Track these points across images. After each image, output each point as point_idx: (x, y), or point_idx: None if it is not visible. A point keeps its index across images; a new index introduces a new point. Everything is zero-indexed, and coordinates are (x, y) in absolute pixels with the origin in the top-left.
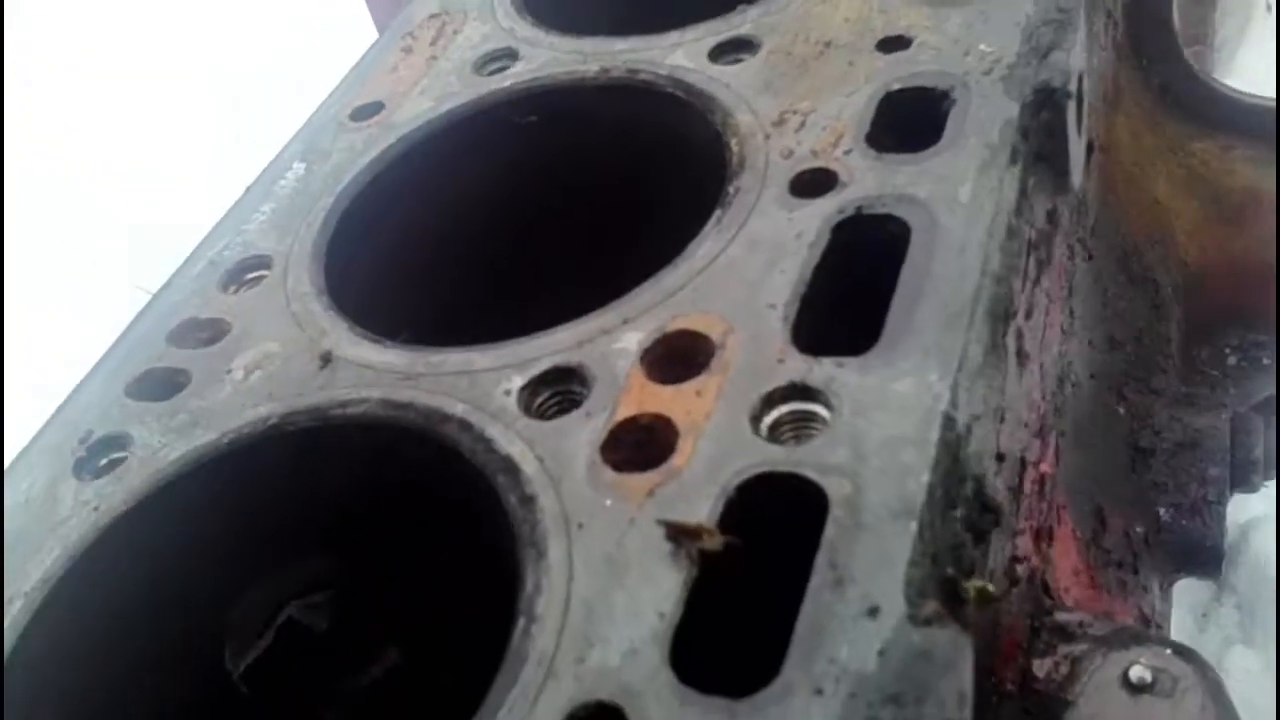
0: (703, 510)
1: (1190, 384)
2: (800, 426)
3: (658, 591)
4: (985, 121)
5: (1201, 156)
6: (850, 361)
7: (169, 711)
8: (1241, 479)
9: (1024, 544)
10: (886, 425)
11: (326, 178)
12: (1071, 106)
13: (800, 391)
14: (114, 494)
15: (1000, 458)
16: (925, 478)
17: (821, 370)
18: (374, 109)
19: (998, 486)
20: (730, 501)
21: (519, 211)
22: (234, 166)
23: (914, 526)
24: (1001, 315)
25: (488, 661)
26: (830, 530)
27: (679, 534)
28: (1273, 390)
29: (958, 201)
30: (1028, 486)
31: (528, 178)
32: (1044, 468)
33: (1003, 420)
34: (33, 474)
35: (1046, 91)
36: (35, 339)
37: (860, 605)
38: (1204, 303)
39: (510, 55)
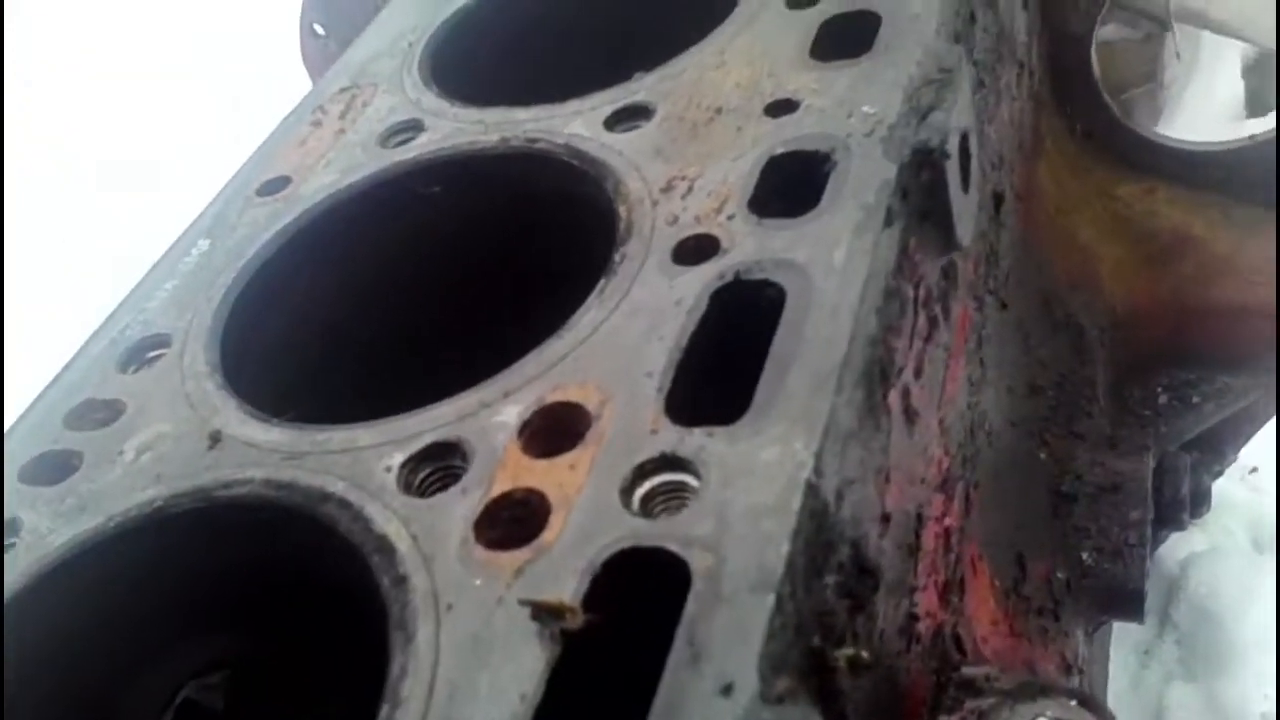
0: (569, 587)
1: (1122, 426)
2: (673, 498)
3: (520, 671)
4: (863, 183)
5: (1126, 200)
6: (720, 431)
7: None
8: (1170, 518)
9: (926, 600)
10: (751, 493)
11: (229, 253)
12: (952, 165)
13: (671, 463)
14: None
15: (886, 518)
16: (785, 548)
17: (692, 440)
18: (281, 183)
19: (883, 548)
20: (595, 578)
21: (422, 281)
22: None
23: (771, 600)
24: (878, 377)
25: None
26: (691, 605)
27: (542, 613)
28: (1204, 426)
29: (831, 266)
30: (930, 542)
31: (431, 248)
32: (948, 521)
33: (888, 480)
34: None
35: (924, 151)
36: (35, 338)
37: (715, 683)
38: (1134, 344)
39: (416, 127)
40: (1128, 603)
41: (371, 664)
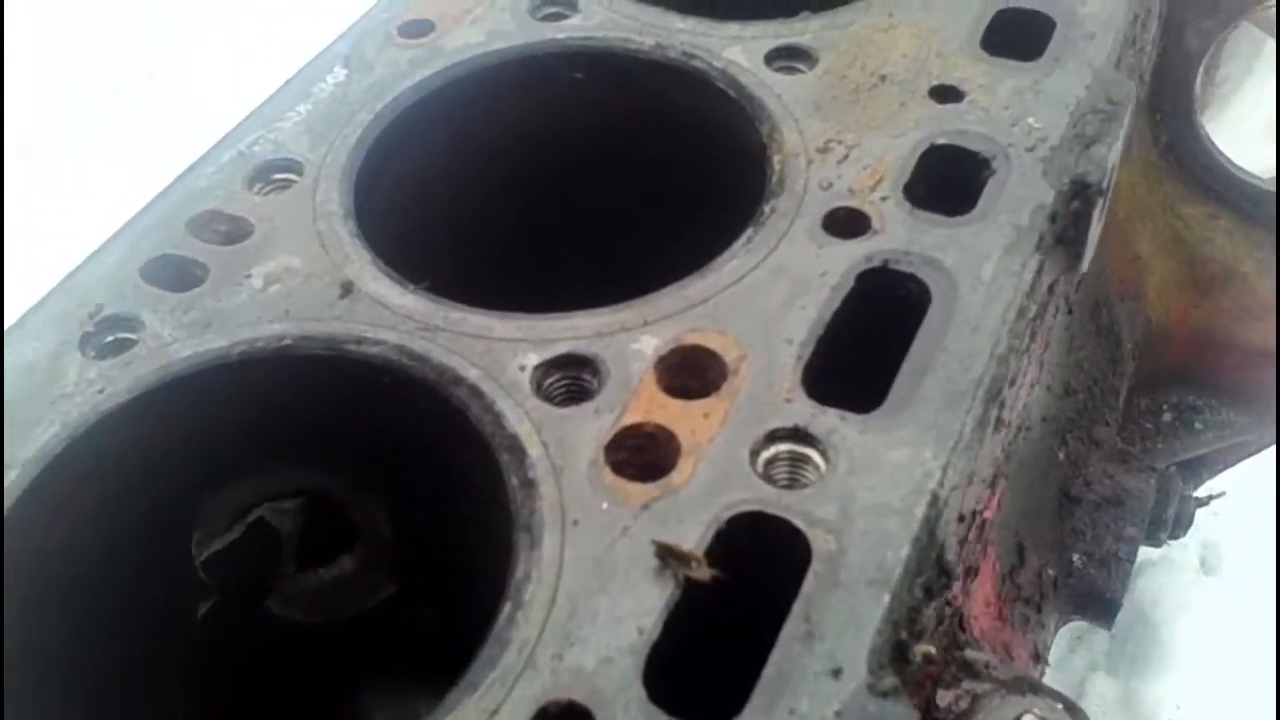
0: (693, 535)
1: (1125, 433)
2: (795, 467)
3: (640, 605)
4: (1019, 200)
5: (1188, 220)
6: (853, 418)
7: (149, 588)
8: (1151, 535)
9: (956, 587)
10: (876, 490)
11: (367, 90)
12: (1101, 201)
13: (801, 436)
14: (119, 379)
15: (961, 518)
16: (905, 551)
17: (825, 420)
18: (424, 27)
19: (954, 546)
20: (720, 532)
21: (549, 168)
22: None
23: (886, 598)
24: (997, 393)
25: (436, 598)
26: (809, 583)
27: (668, 555)
28: (1196, 452)
29: (979, 278)
30: (971, 534)
31: (567, 134)
32: (987, 514)
33: (970, 483)
34: (38, 340)
35: (1082, 185)
36: None
37: (826, 663)
38: (1155, 359)
39: (570, 5)
40: (1103, 609)
41: (441, 536)
